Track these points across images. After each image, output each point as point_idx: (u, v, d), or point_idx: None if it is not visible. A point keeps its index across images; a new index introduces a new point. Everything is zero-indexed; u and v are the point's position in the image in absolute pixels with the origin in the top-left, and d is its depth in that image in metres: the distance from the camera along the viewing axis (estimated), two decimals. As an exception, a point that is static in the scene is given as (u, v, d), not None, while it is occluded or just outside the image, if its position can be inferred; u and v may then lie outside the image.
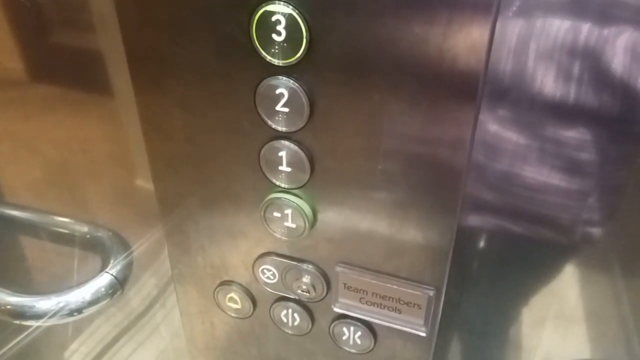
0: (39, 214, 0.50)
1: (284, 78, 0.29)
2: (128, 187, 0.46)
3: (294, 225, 0.34)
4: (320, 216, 0.34)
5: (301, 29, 0.27)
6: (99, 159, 0.47)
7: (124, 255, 0.47)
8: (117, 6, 0.31)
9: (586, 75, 0.34)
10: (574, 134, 0.35)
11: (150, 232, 0.44)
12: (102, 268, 0.46)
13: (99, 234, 0.48)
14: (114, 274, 0.46)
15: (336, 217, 0.34)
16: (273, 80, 0.29)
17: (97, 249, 0.48)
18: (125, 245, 0.47)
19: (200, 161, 0.35)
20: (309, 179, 0.33)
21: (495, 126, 0.37)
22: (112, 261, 0.47)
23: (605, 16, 0.31)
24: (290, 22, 0.27)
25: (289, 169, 0.32)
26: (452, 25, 0.25)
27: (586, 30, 0.33)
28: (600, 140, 0.36)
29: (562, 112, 0.35)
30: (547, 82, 0.34)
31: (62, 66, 0.42)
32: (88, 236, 0.49)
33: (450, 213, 0.31)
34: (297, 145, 0.31)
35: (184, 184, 0.37)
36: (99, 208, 0.49)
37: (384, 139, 0.30)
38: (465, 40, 0.25)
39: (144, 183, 0.41)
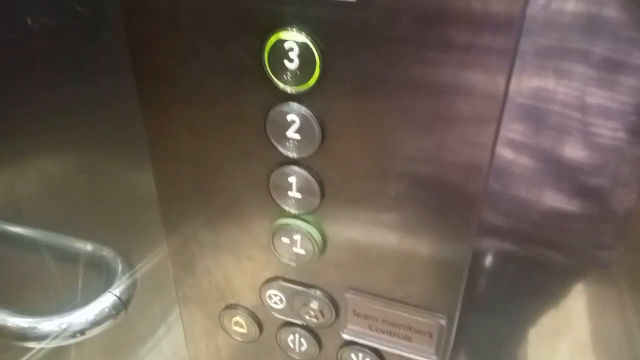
0: (42, 232, 0.49)
1: (296, 105, 0.28)
2: (133, 207, 0.46)
3: (302, 251, 0.34)
4: (329, 242, 0.33)
5: (314, 57, 0.26)
6: (104, 178, 0.47)
7: (127, 275, 0.46)
8: (127, 29, 0.30)
9: (597, 100, 0.33)
10: (585, 159, 0.35)
11: (155, 252, 0.44)
12: (106, 288, 0.46)
13: (103, 253, 0.48)
14: (118, 294, 0.45)
15: (346, 243, 0.33)
16: (284, 107, 0.29)
17: (101, 269, 0.47)
18: (129, 265, 0.47)
19: (207, 184, 0.35)
20: (319, 205, 0.32)
21: (507, 150, 0.36)
22: (115, 281, 0.46)
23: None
24: (303, 50, 0.26)
25: (298, 195, 0.32)
26: (470, 51, 0.25)
27: (600, 55, 0.32)
28: (610, 164, 0.35)
29: (575, 136, 0.34)
30: (559, 106, 0.34)
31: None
32: (92, 255, 0.48)
33: (464, 239, 0.31)
34: (307, 171, 0.31)
35: (190, 206, 0.36)
36: (103, 227, 0.48)
37: (396, 164, 0.29)
38: (483, 65, 0.25)
39: (150, 203, 0.40)
